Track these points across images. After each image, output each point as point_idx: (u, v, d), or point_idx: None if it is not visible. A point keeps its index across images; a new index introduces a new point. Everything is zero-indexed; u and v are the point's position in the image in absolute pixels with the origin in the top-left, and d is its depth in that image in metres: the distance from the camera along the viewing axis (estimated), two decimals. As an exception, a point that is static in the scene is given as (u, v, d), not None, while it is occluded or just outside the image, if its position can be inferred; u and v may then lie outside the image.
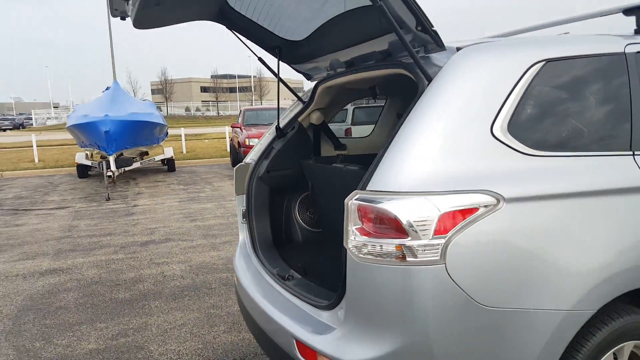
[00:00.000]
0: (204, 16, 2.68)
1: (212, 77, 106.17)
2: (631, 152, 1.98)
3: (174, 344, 3.53)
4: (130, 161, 12.52)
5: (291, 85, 3.19)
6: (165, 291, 4.60)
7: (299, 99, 3.13)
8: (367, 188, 1.72)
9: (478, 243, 1.64)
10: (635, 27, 2.33)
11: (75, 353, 3.44)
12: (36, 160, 17.01)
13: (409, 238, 1.62)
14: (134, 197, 10.15)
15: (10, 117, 58.99)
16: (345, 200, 1.75)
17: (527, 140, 1.83)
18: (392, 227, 1.64)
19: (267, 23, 2.73)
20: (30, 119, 58.43)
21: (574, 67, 2.00)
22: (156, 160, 13.94)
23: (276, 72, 3.00)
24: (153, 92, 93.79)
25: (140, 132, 11.69)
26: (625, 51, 2.10)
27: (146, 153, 14.69)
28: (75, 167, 13.77)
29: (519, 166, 1.77)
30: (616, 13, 2.41)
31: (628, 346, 1.95)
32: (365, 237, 1.69)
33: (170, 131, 24.69)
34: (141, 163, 13.14)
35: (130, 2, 2.24)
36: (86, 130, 11.02)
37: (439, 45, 1.98)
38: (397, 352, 1.66)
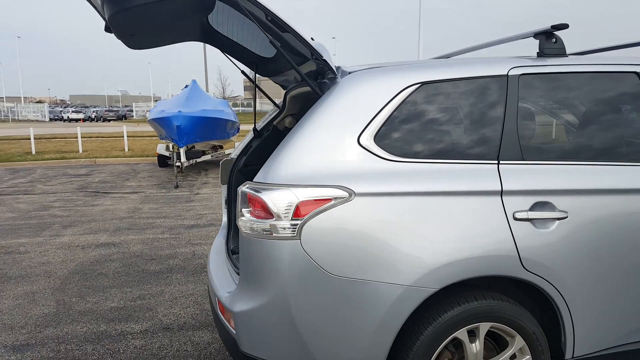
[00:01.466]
0: (188, 38, 3.28)
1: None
2: (496, 162, 2.33)
3: (177, 308, 4.20)
4: (199, 153, 13.61)
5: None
6: (190, 267, 5.32)
7: (276, 105, 3.67)
8: (254, 180, 2.24)
9: (329, 226, 2.10)
10: (537, 50, 2.63)
11: (99, 308, 4.21)
12: (126, 149, 18.77)
13: (274, 219, 2.12)
14: (199, 186, 11.13)
15: (115, 109, 64.21)
16: (238, 188, 2.28)
17: (391, 149, 2.24)
18: (265, 210, 2.14)
19: (244, 42, 3.28)
20: (132, 111, 63.23)
21: (452, 88, 2.37)
22: (226, 153, 14.97)
23: (255, 84, 3.55)
24: (245, 88, 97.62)
25: (210, 127, 12.69)
26: (509, 73, 2.43)
27: (220, 147, 15.81)
28: (157, 157, 15.14)
29: (378, 168, 2.20)
30: (529, 37, 2.70)
31: (484, 326, 2.30)
32: (250, 217, 2.21)
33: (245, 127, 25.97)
34: (212, 156, 14.20)
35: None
36: (162, 124, 12.18)
37: (331, 71, 2.44)
38: (265, 305, 2.17)
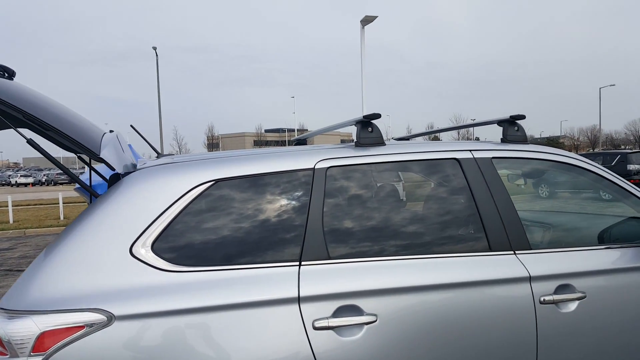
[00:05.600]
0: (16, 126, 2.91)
1: (266, 131, 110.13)
2: (298, 264, 2.02)
3: None
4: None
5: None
6: None
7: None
8: None
9: (80, 359, 1.73)
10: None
11: None
12: (61, 217, 17.93)
13: (8, 355, 1.73)
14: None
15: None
16: None
17: (172, 257, 1.92)
18: (1, 344, 1.76)
19: None
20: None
21: (252, 184, 2.09)
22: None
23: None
24: (209, 146, 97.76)
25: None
26: (315, 167, 2.18)
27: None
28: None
29: (152, 282, 1.87)
30: (352, 124, 2.49)
31: None
32: (-11, 352, 1.82)
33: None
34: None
35: None
36: (86, 194, 11.65)
37: (112, 169, 2.12)
38: None
